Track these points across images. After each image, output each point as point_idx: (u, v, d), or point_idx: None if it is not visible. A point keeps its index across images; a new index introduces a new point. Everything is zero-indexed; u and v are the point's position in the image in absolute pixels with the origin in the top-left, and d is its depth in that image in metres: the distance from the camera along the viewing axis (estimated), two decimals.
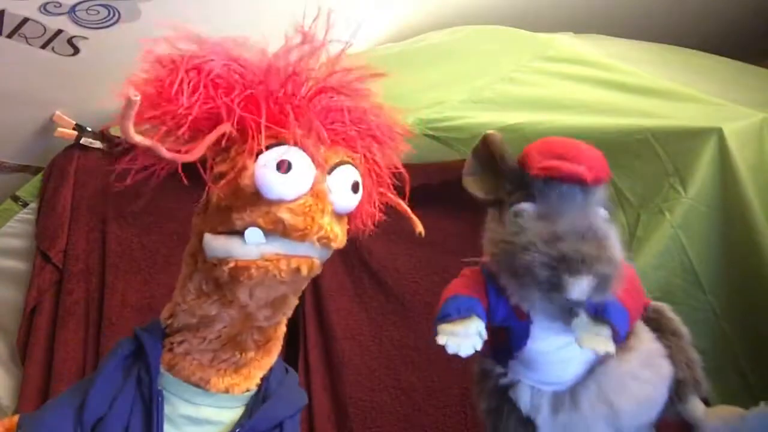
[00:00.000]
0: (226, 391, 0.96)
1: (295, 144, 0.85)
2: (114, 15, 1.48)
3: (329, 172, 0.89)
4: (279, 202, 0.84)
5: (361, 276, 1.62)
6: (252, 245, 0.86)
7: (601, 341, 0.83)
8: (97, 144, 1.82)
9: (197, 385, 0.95)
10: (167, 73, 0.86)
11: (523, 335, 0.93)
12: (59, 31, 1.51)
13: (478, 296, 0.90)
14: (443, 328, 0.85)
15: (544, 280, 0.81)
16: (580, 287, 0.80)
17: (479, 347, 0.84)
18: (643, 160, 1.20)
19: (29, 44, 1.52)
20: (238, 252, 0.86)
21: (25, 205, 1.85)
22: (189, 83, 0.84)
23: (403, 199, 1.05)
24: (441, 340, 0.84)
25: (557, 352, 0.93)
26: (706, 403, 0.99)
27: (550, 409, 0.94)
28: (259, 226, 0.85)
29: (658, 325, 0.98)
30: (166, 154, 0.82)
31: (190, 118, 0.83)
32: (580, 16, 2.03)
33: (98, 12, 1.46)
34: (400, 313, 1.58)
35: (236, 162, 0.86)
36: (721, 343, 1.13)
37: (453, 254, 1.55)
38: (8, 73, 1.61)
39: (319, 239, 0.86)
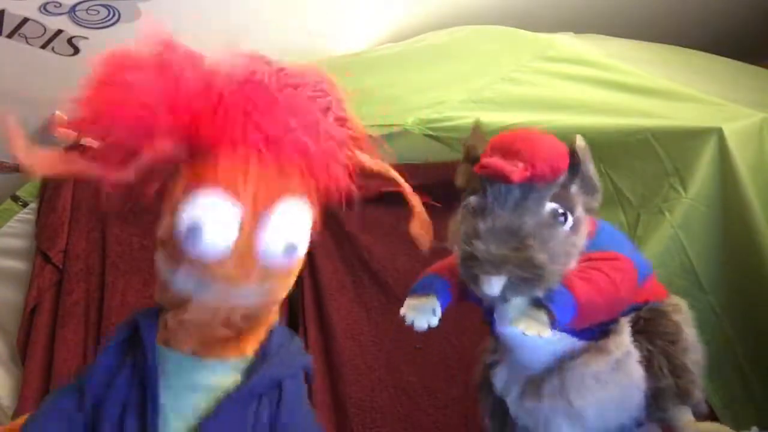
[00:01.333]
0: (219, 357, 0.95)
1: (220, 185, 0.80)
2: (114, 15, 1.48)
3: (259, 224, 0.83)
4: (203, 257, 0.81)
5: (361, 276, 1.62)
6: (181, 286, 0.84)
7: (534, 324, 0.82)
8: (97, 144, 1.82)
9: (190, 355, 0.95)
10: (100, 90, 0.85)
11: (490, 317, 0.95)
12: (59, 31, 1.51)
13: (448, 276, 0.94)
14: (407, 301, 0.93)
15: (465, 275, 0.85)
16: (489, 285, 0.82)
17: (434, 324, 0.89)
18: (643, 160, 1.20)
19: (29, 44, 1.52)
20: (175, 287, 0.86)
21: (25, 205, 1.85)
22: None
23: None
24: (402, 310, 0.91)
25: (525, 340, 0.90)
26: (711, 413, 0.97)
27: (518, 392, 0.96)
28: (188, 270, 0.83)
29: (647, 327, 0.94)
30: (100, 171, 0.81)
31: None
32: (580, 16, 2.03)
33: (98, 12, 1.46)
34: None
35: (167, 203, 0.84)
36: (721, 343, 1.13)
37: (453, 254, 1.56)
38: (8, 73, 1.61)
39: (255, 284, 0.84)
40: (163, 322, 0.97)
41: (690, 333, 0.94)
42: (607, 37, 1.75)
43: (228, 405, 0.93)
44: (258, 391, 0.95)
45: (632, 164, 1.21)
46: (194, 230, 0.80)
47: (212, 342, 0.95)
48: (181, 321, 0.94)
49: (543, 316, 0.83)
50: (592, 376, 0.89)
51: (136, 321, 0.98)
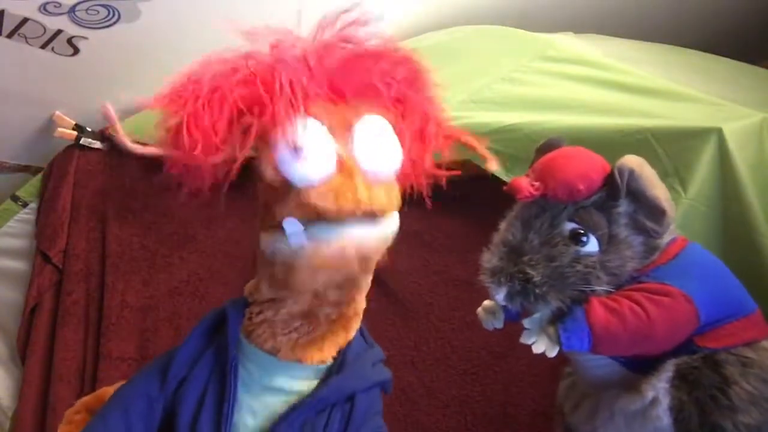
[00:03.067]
0: (298, 360, 0.96)
1: (302, 117, 0.81)
2: (114, 15, 1.48)
3: (351, 137, 0.84)
4: (307, 187, 0.81)
5: None
6: (293, 237, 0.83)
7: (543, 342, 0.85)
8: (97, 144, 1.82)
9: (270, 353, 0.96)
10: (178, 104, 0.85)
11: None
12: (59, 31, 1.51)
13: None
14: (484, 303, 1.01)
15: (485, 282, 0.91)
16: (497, 293, 0.88)
17: (499, 326, 0.99)
18: None
19: (29, 44, 1.52)
20: (281, 247, 0.85)
21: (25, 205, 1.85)
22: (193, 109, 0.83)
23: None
24: (479, 309, 1.01)
25: (581, 354, 0.93)
26: None
27: (572, 404, 1.00)
28: (296, 216, 0.82)
29: (693, 376, 0.86)
30: (172, 153, 0.83)
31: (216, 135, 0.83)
32: (580, 16, 2.03)
33: (98, 12, 1.46)
34: (400, 313, 1.58)
35: (261, 154, 0.85)
36: None
37: (453, 254, 1.56)
38: (8, 73, 1.61)
39: (363, 214, 0.81)
40: (249, 314, 0.99)
41: (745, 390, 0.84)
42: (607, 37, 1.75)
43: (300, 411, 0.93)
44: (330, 401, 0.96)
45: None
46: (296, 152, 0.80)
47: (291, 341, 0.96)
48: (265, 318, 0.96)
49: (554, 335, 0.84)
50: (619, 413, 0.89)
51: (225, 310, 1.00)
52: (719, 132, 1.14)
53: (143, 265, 1.75)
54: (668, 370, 0.87)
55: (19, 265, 1.82)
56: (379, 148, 0.85)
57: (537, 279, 0.84)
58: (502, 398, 1.47)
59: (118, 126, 0.86)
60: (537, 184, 0.87)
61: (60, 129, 1.78)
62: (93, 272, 1.76)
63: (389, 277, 1.60)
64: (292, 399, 0.95)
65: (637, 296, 0.85)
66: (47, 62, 1.59)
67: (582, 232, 0.86)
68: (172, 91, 0.85)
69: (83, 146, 1.81)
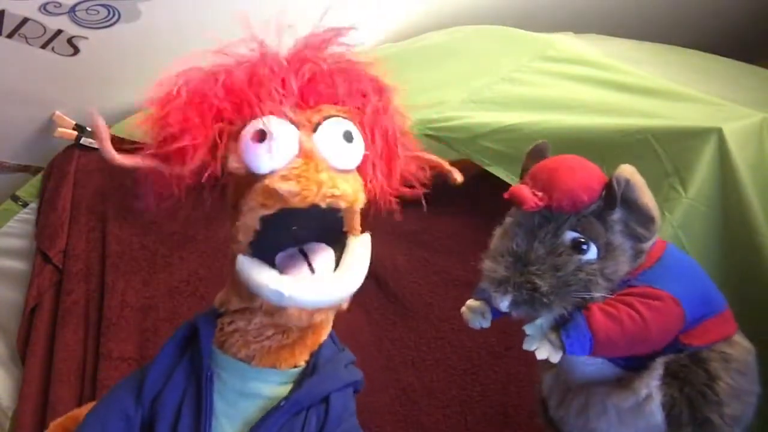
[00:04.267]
0: (273, 366, 0.99)
1: (265, 114, 0.86)
2: (114, 15, 1.48)
3: (314, 129, 0.89)
4: (271, 174, 0.85)
5: None
6: (277, 294, 0.86)
7: (546, 348, 0.86)
8: (97, 144, 1.82)
9: (244, 361, 0.99)
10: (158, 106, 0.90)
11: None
12: (59, 31, 1.51)
13: None
14: (468, 301, 1.01)
15: (485, 289, 0.91)
16: (500, 302, 0.88)
17: (485, 325, 0.98)
18: (643, 160, 1.19)
19: (29, 44, 1.52)
20: (267, 295, 0.87)
21: (25, 205, 1.85)
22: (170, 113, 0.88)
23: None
24: (462, 308, 1.01)
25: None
26: None
27: (556, 400, 1.00)
28: (261, 204, 0.85)
29: (682, 372, 0.91)
30: (167, 168, 0.88)
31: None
32: (580, 16, 2.03)
33: (98, 12, 1.46)
34: (400, 313, 1.58)
35: (226, 150, 0.89)
36: None
37: (453, 254, 1.56)
38: (8, 73, 1.61)
39: (323, 198, 0.83)
40: (221, 325, 1.01)
41: (728, 384, 0.90)
42: (607, 37, 1.75)
43: (277, 415, 0.96)
44: (306, 403, 0.99)
45: (632, 164, 1.21)
46: (257, 135, 0.85)
47: (264, 349, 0.99)
48: (237, 328, 0.99)
49: (557, 341, 0.86)
50: (612, 409, 0.91)
51: (195, 322, 1.03)
52: (719, 132, 1.14)
53: (143, 265, 1.75)
54: (658, 368, 0.91)
55: (19, 265, 1.82)
56: (340, 142, 0.89)
57: (545, 288, 0.85)
58: (502, 398, 1.47)
59: (106, 135, 0.88)
60: (541, 194, 0.89)
61: (60, 129, 1.78)
62: (93, 272, 1.75)
63: (389, 277, 1.60)
64: (268, 404, 0.98)
65: (632, 301, 0.88)
66: (47, 62, 1.59)
67: (583, 240, 0.88)
68: (161, 93, 0.90)
69: (83, 146, 1.81)
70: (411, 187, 1.03)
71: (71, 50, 1.58)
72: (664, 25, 2.16)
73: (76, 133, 1.79)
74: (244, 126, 0.88)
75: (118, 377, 1.04)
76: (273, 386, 0.99)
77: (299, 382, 1.00)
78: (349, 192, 0.87)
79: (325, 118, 0.90)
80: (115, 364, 1.65)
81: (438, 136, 1.38)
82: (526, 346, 0.87)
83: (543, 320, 0.88)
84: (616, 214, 0.90)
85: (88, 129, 1.80)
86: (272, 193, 0.83)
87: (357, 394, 1.08)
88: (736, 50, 1.89)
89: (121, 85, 1.72)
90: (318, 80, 0.92)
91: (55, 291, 1.75)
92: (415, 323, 1.56)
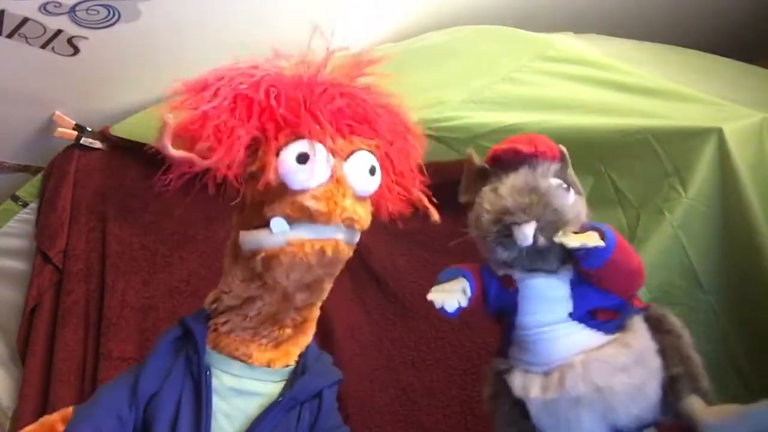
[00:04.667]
0: (268, 365, 1.05)
1: (312, 139, 0.95)
2: (114, 15, 1.48)
3: (346, 159, 0.97)
4: (303, 192, 0.94)
5: (361, 276, 1.62)
6: (278, 234, 0.94)
7: (590, 237, 0.92)
8: (97, 144, 1.82)
9: (241, 360, 1.04)
10: (199, 101, 0.94)
11: (513, 308, 1.01)
12: (59, 31, 1.51)
13: (471, 271, 1.02)
14: (433, 288, 0.98)
15: (496, 233, 0.95)
16: (523, 234, 0.92)
17: (464, 303, 0.96)
18: (643, 160, 1.20)
19: (29, 44, 1.52)
20: (267, 242, 0.96)
21: (25, 205, 1.85)
22: (218, 110, 0.93)
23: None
24: (429, 296, 0.96)
25: (545, 331, 0.98)
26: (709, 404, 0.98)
27: (539, 389, 0.98)
28: (288, 215, 0.94)
29: (658, 323, 0.99)
30: (204, 163, 0.93)
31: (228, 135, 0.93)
32: (580, 16, 2.03)
33: (98, 12, 1.46)
34: (400, 313, 1.58)
35: (263, 161, 0.95)
36: (721, 343, 1.13)
37: (453, 254, 1.55)
38: (8, 73, 1.61)
39: (343, 220, 0.95)
40: (213, 325, 1.07)
41: (680, 324, 1.00)
42: (607, 37, 1.75)
43: (274, 411, 1.03)
44: (301, 399, 1.07)
45: (632, 164, 1.21)
46: (301, 157, 0.93)
47: (261, 347, 1.05)
48: (234, 327, 1.05)
49: (595, 234, 0.92)
50: (618, 366, 0.94)
51: (185, 323, 1.07)
52: (719, 132, 1.14)
53: (143, 265, 1.75)
54: (640, 321, 0.98)
55: (19, 265, 1.83)
56: (365, 174, 0.99)
57: (565, 208, 0.94)
58: None
59: (170, 132, 0.92)
60: (524, 146, 0.99)
61: (60, 129, 1.78)
62: (93, 272, 1.76)
63: (389, 277, 1.60)
64: (263, 401, 1.04)
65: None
66: (47, 62, 1.59)
67: (566, 186, 0.98)
68: (200, 87, 0.95)
69: (83, 146, 1.81)
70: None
71: (71, 50, 1.58)
72: (664, 25, 2.16)
73: (76, 133, 1.79)
74: (285, 142, 0.95)
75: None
76: (268, 384, 1.05)
77: (291, 380, 1.07)
78: (364, 217, 0.99)
79: (356, 150, 0.99)
80: (115, 364, 1.65)
81: (438, 136, 1.38)
82: (576, 242, 0.92)
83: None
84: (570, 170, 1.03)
85: (88, 129, 1.80)
86: (301, 209, 0.93)
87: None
88: (736, 50, 1.89)
89: (121, 85, 1.73)
90: (355, 113, 1.01)
91: (55, 291, 1.75)
92: (415, 323, 1.56)
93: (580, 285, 0.98)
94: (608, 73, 1.38)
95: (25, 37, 1.50)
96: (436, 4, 1.87)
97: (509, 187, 0.96)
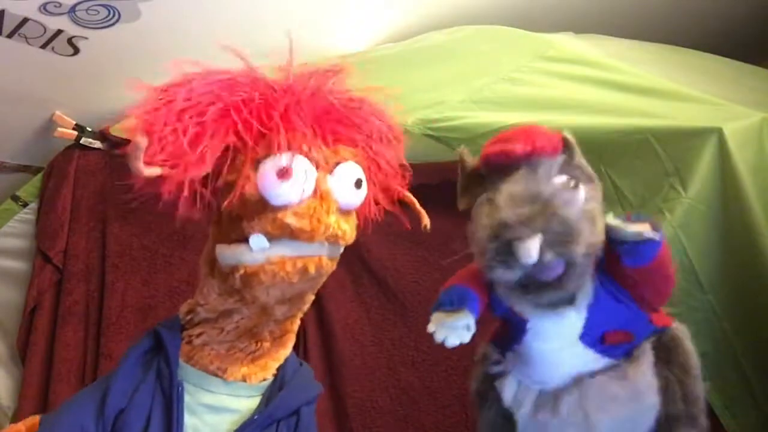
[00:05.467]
0: (243, 380, 1.00)
1: (292, 149, 0.88)
2: (114, 15, 1.48)
3: (331, 172, 0.92)
4: (284, 207, 0.88)
5: (361, 276, 1.62)
6: (258, 251, 0.89)
7: (644, 229, 0.82)
8: (97, 144, 1.82)
9: (215, 375, 0.99)
10: (160, 117, 0.88)
11: (521, 330, 0.94)
12: (59, 31, 1.51)
13: (476, 289, 0.91)
14: (436, 317, 0.88)
15: (495, 251, 0.81)
16: (526, 251, 0.79)
17: (466, 340, 0.86)
18: (643, 160, 1.20)
19: (29, 44, 1.52)
20: (246, 259, 0.91)
21: (25, 205, 1.85)
22: (183, 126, 0.87)
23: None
24: (431, 327, 0.86)
25: (554, 353, 0.93)
26: (710, 413, 0.96)
27: (532, 406, 0.95)
28: (268, 233, 0.88)
29: (668, 355, 0.93)
30: (175, 178, 0.87)
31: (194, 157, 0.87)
32: (580, 16, 2.03)
33: (98, 12, 1.46)
34: (400, 313, 1.58)
35: (241, 172, 0.89)
36: (721, 343, 1.13)
37: (453, 254, 1.55)
38: (8, 73, 1.61)
39: (327, 238, 0.90)
40: (187, 338, 1.01)
41: (696, 357, 0.93)
42: (607, 37, 1.75)
43: (250, 429, 0.98)
44: (278, 416, 1.01)
45: (632, 164, 1.21)
46: (281, 171, 0.87)
47: (237, 361, 1.00)
48: (208, 340, 0.99)
49: (646, 225, 0.83)
50: (611, 397, 0.90)
51: (157, 333, 1.01)
52: (719, 132, 1.14)
53: (143, 265, 1.75)
54: (647, 351, 0.92)
55: (19, 265, 1.83)
56: (351, 188, 0.94)
57: (574, 218, 0.80)
58: None
59: (139, 154, 0.87)
60: (520, 144, 0.86)
61: (60, 129, 1.78)
62: (93, 272, 1.76)
63: (389, 277, 1.60)
64: (237, 417, 0.99)
65: None
66: (47, 62, 1.59)
67: (574, 183, 0.86)
68: (157, 104, 0.89)
69: (83, 146, 1.81)
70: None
71: (71, 50, 1.58)
72: (664, 25, 2.16)
73: (76, 133, 1.79)
74: (264, 154, 0.89)
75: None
76: (243, 400, 1.00)
77: (267, 395, 1.02)
78: (349, 232, 0.94)
79: (342, 161, 0.94)
80: (114, 364, 1.65)
81: (438, 136, 1.38)
82: (632, 230, 0.82)
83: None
84: (576, 168, 0.90)
85: (88, 129, 1.80)
86: (283, 226, 0.88)
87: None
88: (736, 50, 1.89)
89: (121, 85, 1.72)
90: (331, 116, 0.95)
91: (55, 291, 1.75)
92: (415, 323, 1.56)
93: (597, 304, 0.90)
94: (608, 73, 1.38)
95: (25, 37, 1.50)
96: (436, 4, 1.87)
97: (506, 196, 0.83)
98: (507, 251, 0.80)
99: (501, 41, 1.59)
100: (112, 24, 1.51)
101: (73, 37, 1.53)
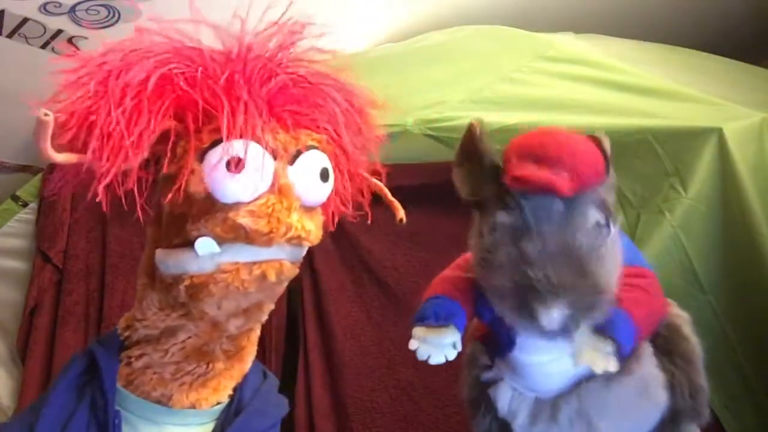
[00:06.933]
0: (192, 406, 0.86)
1: (244, 135, 0.73)
2: (114, 15, 1.48)
3: (291, 162, 0.78)
4: (236, 205, 0.74)
5: (361, 276, 1.62)
6: (206, 257, 0.75)
7: (601, 358, 0.74)
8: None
9: (159, 402, 0.85)
10: (90, 97, 0.74)
11: (510, 343, 0.87)
12: (59, 31, 1.51)
13: (462, 298, 0.84)
14: (418, 332, 0.81)
15: (514, 307, 0.74)
16: (549, 317, 0.71)
17: (452, 358, 0.80)
18: (643, 160, 1.20)
19: (29, 44, 1.52)
20: (192, 266, 0.76)
21: (25, 205, 1.85)
22: (117, 105, 0.72)
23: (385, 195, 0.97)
24: (413, 344, 0.80)
25: (543, 365, 0.87)
26: (711, 413, 0.95)
27: (528, 416, 0.89)
28: (218, 236, 0.74)
29: (668, 345, 0.88)
30: (98, 166, 0.73)
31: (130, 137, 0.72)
32: (580, 16, 2.03)
33: (98, 12, 1.46)
34: (400, 313, 1.58)
35: (182, 163, 0.75)
36: (721, 343, 1.13)
37: (453, 254, 1.55)
38: (8, 73, 1.61)
39: (288, 240, 0.76)
40: (126, 359, 0.87)
41: (696, 342, 0.91)
42: (607, 37, 1.75)
43: None
44: None
45: (632, 164, 1.21)
46: (232, 162, 0.72)
47: (184, 386, 0.85)
48: (151, 363, 0.85)
49: (608, 347, 0.75)
50: (614, 399, 0.85)
51: (92, 353, 0.88)
52: (719, 132, 1.14)
53: None
54: (647, 348, 0.87)
55: (19, 265, 1.82)
56: (316, 180, 0.80)
57: (609, 286, 0.72)
58: None
59: (46, 130, 0.73)
60: (567, 174, 0.72)
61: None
62: (93, 272, 1.75)
63: (389, 277, 1.60)
64: None
65: (636, 281, 0.83)
66: (47, 62, 1.59)
67: (605, 222, 0.75)
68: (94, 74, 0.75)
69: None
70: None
71: (71, 50, 1.58)
72: (664, 25, 2.16)
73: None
74: (210, 142, 0.74)
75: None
76: (192, 428, 0.87)
77: (222, 421, 0.87)
78: (314, 231, 0.80)
79: (304, 149, 0.79)
80: None
81: (438, 136, 1.38)
82: (583, 361, 0.75)
83: (584, 329, 0.76)
84: (609, 191, 0.79)
85: None
86: (235, 228, 0.74)
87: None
88: (736, 50, 1.89)
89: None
90: (289, 95, 0.81)
91: (55, 291, 1.75)
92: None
93: None
94: (608, 73, 1.38)
95: (25, 37, 1.50)
96: (436, 4, 1.87)
97: (540, 247, 0.71)
98: (528, 312, 0.72)
99: (501, 41, 1.59)
100: (112, 24, 1.51)
101: (73, 37, 1.53)
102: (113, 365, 0.86)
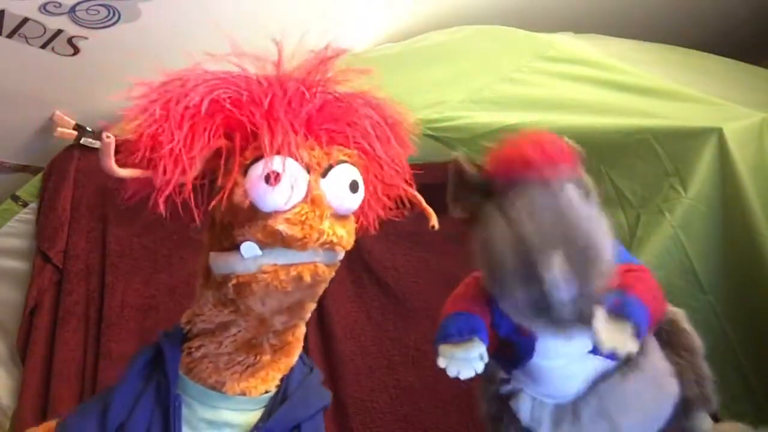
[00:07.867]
0: (243, 393, 0.97)
1: (282, 152, 0.84)
2: (114, 15, 1.48)
3: (324, 175, 0.88)
4: (275, 214, 0.84)
5: (361, 276, 1.62)
6: (249, 259, 0.86)
7: (623, 340, 0.78)
8: (97, 144, 1.81)
9: (214, 389, 0.96)
10: (155, 120, 0.84)
11: (529, 350, 0.90)
12: (59, 31, 1.51)
13: (480, 312, 0.88)
14: (444, 349, 0.85)
15: (516, 272, 0.77)
16: (551, 266, 0.74)
17: (480, 370, 0.83)
18: (643, 160, 1.20)
19: (29, 44, 1.52)
20: (239, 267, 0.87)
21: (25, 205, 1.85)
22: (178, 124, 0.84)
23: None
24: (441, 363, 0.84)
25: (563, 368, 0.91)
26: (715, 418, 0.98)
27: (551, 422, 0.92)
28: (258, 240, 0.85)
29: (670, 338, 0.93)
30: (160, 179, 0.83)
31: (184, 155, 0.83)
32: (580, 16, 2.03)
33: (98, 12, 1.46)
34: (400, 313, 1.58)
35: (229, 178, 0.86)
36: (721, 344, 1.13)
37: (453, 254, 1.56)
38: (8, 73, 1.61)
39: (321, 245, 0.85)
40: (187, 349, 0.98)
41: (696, 334, 0.94)
42: (607, 37, 1.76)
43: None
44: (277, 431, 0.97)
45: (632, 164, 1.21)
46: (270, 176, 0.83)
47: (235, 375, 0.96)
48: (207, 353, 0.96)
49: (628, 328, 0.78)
50: (633, 394, 0.88)
51: (159, 345, 0.99)
52: (719, 132, 1.14)
53: (143, 265, 1.74)
54: (653, 343, 0.91)
55: (19, 265, 1.82)
56: (346, 191, 0.89)
57: (588, 233, 0.76)
58: None
59: (110, 151, 0.86)
60: (543, 158, 0.81)
61: (60, 129, 1.78)
62: (93, 272, 1.75)
63: (389, 277, 1.60)
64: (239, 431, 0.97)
65: (638, 275, 0.87)
66: (47, 62, 1.59)
67: (586, 194, 0.82)
68: (153, 101, 0.86)
69: (83, 146, 1.81)
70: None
71: (71, 50, 1.58)
72: (664, 25, 2.16)
73: (76, 133, 1.79)
74: (253, 158, 0.85)
75: (119, 377, 1.02)
76: (243, 414, 0.97)
77: (269, 408, 0.98)
78: (345, 237, 0.89)
79: (335, 163, 0.89)
80: (115, 364, 1.65)
81: (438, 136, 1.38)
82: (614, 344, 0.77)
83: (601, 313, 0.80)
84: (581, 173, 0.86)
85: (88, 129, 1.80)
86: (273, 234, 0.84)
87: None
88: (736, 50, 1.89)
89: (121, 85, 1.72)
90: (325, 113, 0.91)
91: (55, 291, 1.75)
92: (415, 323, 1.56)
93: None
94: (608, 73, 1.38)
95: (25, 37, 1.50)
96: (436, 4, 1.87)
97: (524, 211, 0.78)
98: (531, 269, 0.76)
99: (501, 41, 1.59)
100: (112, 24, 1.50)
101: (73, 37, 1.53)
102: (176, 355, 0.97)
